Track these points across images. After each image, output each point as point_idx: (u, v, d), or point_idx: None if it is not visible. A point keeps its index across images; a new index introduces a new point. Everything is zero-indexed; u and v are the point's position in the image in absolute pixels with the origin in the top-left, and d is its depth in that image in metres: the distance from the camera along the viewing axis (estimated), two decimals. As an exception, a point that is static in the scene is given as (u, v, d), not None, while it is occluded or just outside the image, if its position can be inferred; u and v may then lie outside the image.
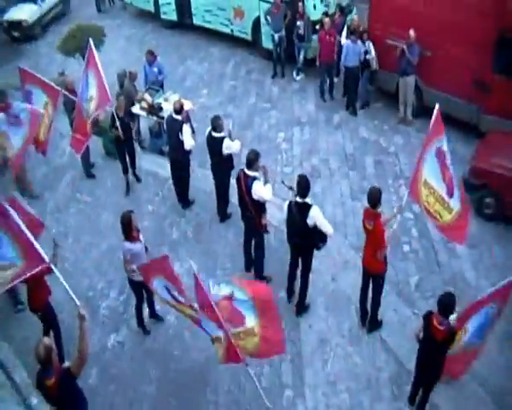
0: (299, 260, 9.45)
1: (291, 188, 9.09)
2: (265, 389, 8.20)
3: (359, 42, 14.08)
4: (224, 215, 11.92)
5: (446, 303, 7.03)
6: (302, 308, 9.78)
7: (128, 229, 8.62)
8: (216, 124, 11.00)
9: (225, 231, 11.69)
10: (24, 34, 21.91)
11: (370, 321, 9.40)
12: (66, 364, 6.71)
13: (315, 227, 8.78)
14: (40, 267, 7.09)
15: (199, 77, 17.79)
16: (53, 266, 7.24)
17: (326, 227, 8.85)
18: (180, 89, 15.68)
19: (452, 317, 7.17)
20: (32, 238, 7.03)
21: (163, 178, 13.18)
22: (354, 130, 14.33)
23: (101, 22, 19.49)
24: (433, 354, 7.35)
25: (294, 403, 8.48)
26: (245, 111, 15.64)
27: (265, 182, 9.48)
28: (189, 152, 11.80)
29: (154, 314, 9.90)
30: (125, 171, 12.92)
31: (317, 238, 8.97)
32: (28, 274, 7.05)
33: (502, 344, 8.82)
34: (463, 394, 8.24)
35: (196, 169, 12.89)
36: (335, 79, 15.64)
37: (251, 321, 7.22)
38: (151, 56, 14.71)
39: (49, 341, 6.62)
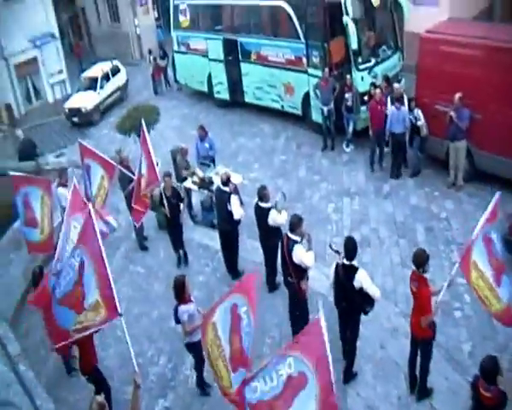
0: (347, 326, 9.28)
1: (337, 252, 8.98)
2: None
3: (403, 108, 14.14)
4: (272, 285, 11.83)
5: (489, 369, 6.73)
6: (350, 375, 9.49)
7: (181, 292, 8.84)
8: (262, 194, 11.12)
9: (273, 300, 11.55)
10: (83, 119, 23.04)
11: (419, 389, 9.02)
12: None
13: (362, 290, 8.63)
14: (114, 319, 7.36)
15: (250, 152, 18.20)
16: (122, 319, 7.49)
17: (373, 290, 8.68)
18: (232, 164, 16.02)
19: (501, 379, 6.83)
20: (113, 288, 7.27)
21: (213, 250, 13.29)
22: (404, 198, 14.15)
23: (158, 103, 20.36)
24: None
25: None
26: (295, 184, 15.76)
27: (309, 249, 9.46)
28: (237, 223, 11.93)
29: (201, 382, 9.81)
30: (176, 248, 13.17)
31: (364, 302, 8.79)
32: (103, 325, 7.41)
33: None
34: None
35: (246, 241, 12.96)
36: (386, 149, 15.64)
37: None
38: (202, 132, 15.14)
39: (101, 399, 6.79)
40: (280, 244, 9.89)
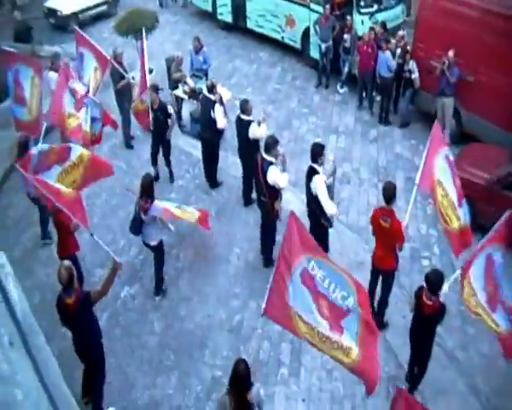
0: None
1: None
2: (261, 362, 8.36)
3: (386, 53, 14.34)
4: (247, 200, 12.12)
5: (434, 280, 7.19)
6: None
7: (151, 190, 9.18)
8: (244, 107, 11.28)
9: (247, 215, 11.96)
10: (59, 22, 22.59)
11: (376, 320, 9.38)
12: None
13: (317, 198, 8.94)
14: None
15: (245, 76, 18.24)
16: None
17: (325, 203, 8.97)
18: (226, 84, 15.91)
19: (443, 291, 7.28)
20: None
21: (196, 159, 13.59)
22: (389, 145, 14.41)
23: (161, 16, 20.07)
24: (423, 329, 7.52)
25: (287, 381, 8.61)
26: (285, 113, 15.92)
27: (283, 170, 9.68)
28: (219, 132, 12.16)
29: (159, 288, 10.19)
30: (154, 162, 13.06)
31: (320, 211, 9.11)
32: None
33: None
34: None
35: (229, 156, 13.26)
36: (377, 98, 15.77)
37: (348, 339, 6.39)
38: (197, 44, 15.24)
39: (69, 263, 7.14)
40: (254, 166, 10.00)
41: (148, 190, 9.13)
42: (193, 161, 13.80)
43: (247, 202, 12.14)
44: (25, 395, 2.43)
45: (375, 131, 15.00)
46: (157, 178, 12.83)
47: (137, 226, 9.36)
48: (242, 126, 11.34)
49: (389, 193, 8.48)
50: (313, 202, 9.16)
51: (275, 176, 9.52)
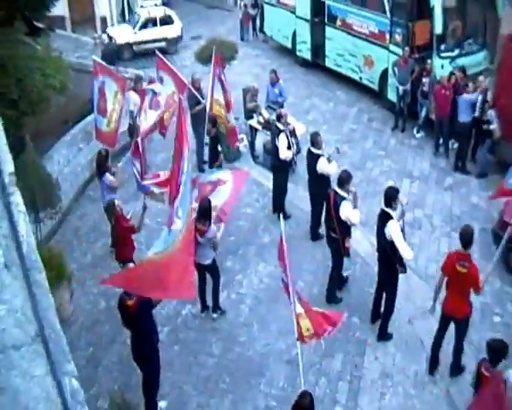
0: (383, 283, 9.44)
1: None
2: (317, 398, 8.12)
3: (471, 95, 14.00)
4: (315, 235, 12.02)
5: (495, 350, 6.78)
6: (384, 335, 9.64)
7: (209, 213, 9.22)
8: (314, 140, 11.26)
9: (313, 249, 11.85)
10: (112, 50, 23.26)
11: (452, 366, 8.97)
12: None
13: (393, 243, 8.69)
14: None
15: (321, 113, 18.32)
16: None
17: (402, 247, 8.70)
18: (302, 120, 16.09)
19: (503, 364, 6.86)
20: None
21: (266, 189, 13.66)
22: (465, 195, 13.99)
23: (242, 49, 20.54)
24: None
25: (343, 421, 8.39)
26: (359, 153, 15.80)
27: (354, 207, 9.55)
28: (285, 162, 12.14)
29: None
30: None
31: (394, 256, 8.84)
32: None
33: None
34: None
35: (299, 189, 13.28)
36: (454, 145, 15.43)
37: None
38: (274, 76, 15.48)
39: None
40: (326, 199, 9.95)
41: (206, 213, 9.17)
42: (263, 191, 13.87)
43: (315, 237, 12.03)
44: (9, 311, 2.37)
45: (450, 179, 14.62)
46: None
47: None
48: (312, 159, 11.31)
49: (467, 238, 8.21)
50: (388, 248, 8.89)
51: (347, 211, 9.41)
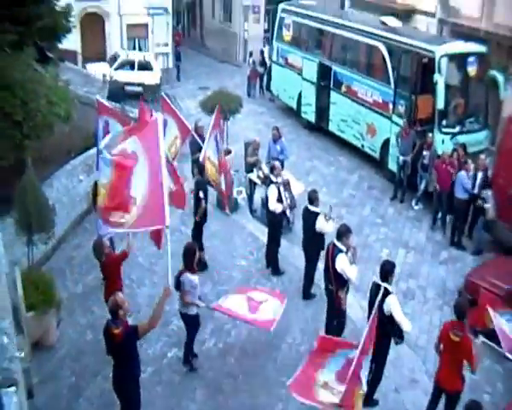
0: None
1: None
2: None
3: (463, 172, 14.12)
4: (307, 294, 11.87)
5: None
6: (371, 402, 9.33)
7: (190, 259, 9.06)
8: (313, 197, 11.27)
9: (304, 307, 11.71)
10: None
11: None
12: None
13: (391, 317, 8.59)
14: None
15: (322, 177, 18.41)
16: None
17: (401, 319, 8.64)
18: (302, 181, 16.05)
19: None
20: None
21: (262, 244, 13.52)
22: (460, 269, 13.78)
23: (248, 105, 20.75)
24: None
25: None
26: (357, 218, 15.75)
27: (352, 262, 9.52)
28: (276, 215, 12.13)
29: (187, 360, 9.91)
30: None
31: (392, 328, 8.75)
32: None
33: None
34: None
35: (295, 247, 13.16)
36: (451, 219, 15.40)
37: None
38: (276, 133, 15.69)
39: (121, 298, 7.23)
40: (325, 251, 10.00)
41: (185, 258, 9.09)
42: (258, 245, 13.77)
43: (306, 295, 11.87)
44: None
45: (446, 253, 14.53)
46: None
47: (177, 284, 9.23)
48: (309, 217, 11.27)
49: (462, 309, 8.18)
50: (386, 321, 8.74)
51: (343, 265, 9.42)
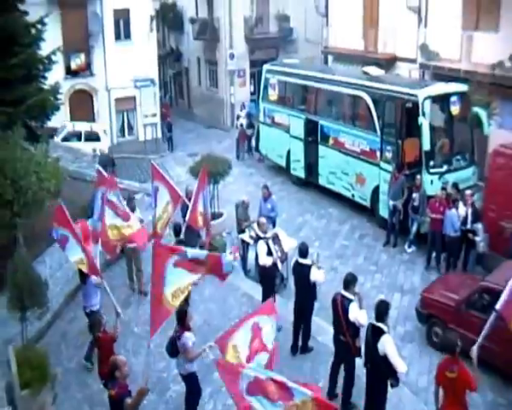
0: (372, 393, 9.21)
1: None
2: None
3: (452, 211, 14.41)
4: (305, 348, 11.81)
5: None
6: None
7: (183, 319, 9.29)
8: (304, 250, 11.39)
9: (302, 361, 11.65)
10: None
11: None
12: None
13: (386, 358, 8.62)
14: None
15: (314, 230, 18.52)
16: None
17: (396, 360, 8.66)
18: (294, 237, 16.13)
19: None
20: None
21: (256, 302, 13.36)
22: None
23: (237, 168, 21.06)
24: None
25: None
26: (350, 268, 15.33)
27: (360, 307, 9.57)
28: (269, 270, 12.20)
29: None
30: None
31: (387, 370, 8.75)
32: None
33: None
34: None
35: (290, 304, 12.98)
36: (445, 258, 15.52)
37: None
38: (266, 192, 15.87)
39: (121, 359, 7.64)
40: (332, 303, 10.01)
41: (179, 320, 9.28)
42: (253, 303, 13.61)
43: (304, 350, 11.83)
44: None
45: (442, 293, 14.57)
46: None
47: (172, 349, 9.47)
48: (301, 270, 11.35)
49: (452, 347, 8.23)
50: (381, 362, 8.83)
51: (356, 313, 9.48)
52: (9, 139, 12.26)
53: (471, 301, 11.44)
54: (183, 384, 10.46)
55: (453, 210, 14.44)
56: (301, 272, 11.34)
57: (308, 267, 11.18)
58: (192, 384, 9.57)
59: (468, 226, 14.34)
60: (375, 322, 8.91)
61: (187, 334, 9.14)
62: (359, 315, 9.46)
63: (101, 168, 13.46)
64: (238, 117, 28.83)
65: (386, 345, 8.66)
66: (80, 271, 11.12)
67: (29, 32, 16.66)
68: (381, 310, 8.93)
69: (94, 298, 11.29)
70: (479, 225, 14.01)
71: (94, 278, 10.83)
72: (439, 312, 11.99)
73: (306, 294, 11.41)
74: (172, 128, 31.10)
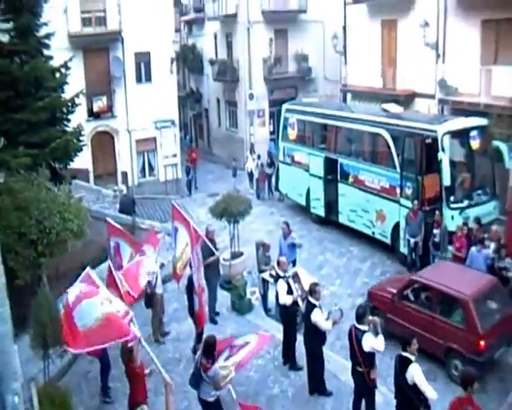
0: None
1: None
2: None
3: (485, 251, 14.06)
4: (323, 389, 11.61)
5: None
6: None
7: (213, 350, 9.39)
8: (313, 289, 11.29)
9: (324, 400, 11.51)
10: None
11: None
12: None
13: (415, 387, 8.59)
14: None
15: (335, 269, 18.48)
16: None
17: (426, 389, 8.66)
18: (315, 275, 16.18)
19: None
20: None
21: (278, 341, 13.32)
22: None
23: (257, 208, 21.16)
24: None
25: None
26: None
27: (377, 333, 9.71)
28: (290, 309, 12.19)
29: None
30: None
31: (417, 399, 8.72)
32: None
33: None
34: None
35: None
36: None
37: None
38: (286, 229, 15.84)
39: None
40: (348, 335, 10.14)
41: (209, 351, 9.32)
42: (275, 343, 13.43)
43: (323, 391, 11.61)
44: None
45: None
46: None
47: (196, 381, 9.50)
48: (308, 309, 11.31)
49: (466, 380, 8.22)
50: (410, 392, 8.83)
51: (371, 343, 9.64)
52: (34, 181, 12.48)
53: (403, 294, 13.29)
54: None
55: (484, 250, 14.09)
56: (307, 310, 11.21)
57: (312, 307, 11.09)
58: (217, 408, 9.69)
59: (495, 263, 14.07)
60: (402, 352, 8.98)
61: (216, 366, 9.25)
62: (375, 343, 9.63)
63: (111, 221, 13.47)
64: (259, 157, 28.85)
65: (415, 373, 8.72)
66: None
67: (54, 77, 17.15)
68: (405, 339, 9.06)
69: None
70: (509, 260, 13.82)
71: None
72: (380, 304, 13.79)
73: (310, 334, 11.31)
74: (191, 171, 31.07)
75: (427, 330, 12.24)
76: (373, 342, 9.64)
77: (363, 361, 9.78)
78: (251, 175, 28.34)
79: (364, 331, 9.77)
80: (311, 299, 11.25)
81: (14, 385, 2.04)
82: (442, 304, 12.47)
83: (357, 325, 9.89)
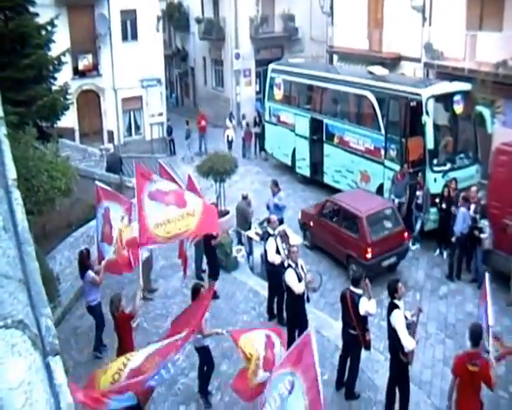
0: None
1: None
2: None
3: (460, 209, 14.48)
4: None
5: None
6: None
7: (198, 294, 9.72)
8: (291, 250, 11.64)
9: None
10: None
11: None
12: None
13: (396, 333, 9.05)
14: None
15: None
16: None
17: (403, 337, 9.03)
18: (299, 233, 16.55)
19: None
20: None
21: (263, 298, 13.71)
22: (460, 303, 14.08)
23: (242, 166, 21.23)
24: None
25: None
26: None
27: (369, 297, 9.94)
28: (276, 267, 12.36)
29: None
30: None
31: (398, 345, 9.16)
32: None
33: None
34: None
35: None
36: (448, 255, 15.76)
37: None
38: (275, 187, 16.10)
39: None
40: (340, 298, 10.38)
41: (194, 295, 9.80)
42: (260, 299, 14.00)
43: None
44: (3, 254, 2.60)
45: (445, 288, 14.78)
46: None
47: None
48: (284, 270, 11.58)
49: (476, 335, 8.45)
50: (392, 336, 9.34)
51: (366, 306, 9.87)
52: (21, 139, 12.48)
53: (322, 212, 16.26)
54: (191, 377, 10.91)
55: (463, 209, 14.49)
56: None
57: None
58: (205, 356, 10.11)
59: (472, 223, 14.48)
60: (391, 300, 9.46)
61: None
62: (369, 306, 9.88)
63: (101, 184, 12.82)
64: (244, 116, 28.98)
65: (396, 320, 9.13)
66: (80, 266, 11.45)
67: (40, 34, 16.99)
68: (390, 287, 9.57)
69: (90, 294, 11.54)
70: (485, 222, 14.13)
71: (89, 274, 11.20)
72: (307, 220, 16.97)
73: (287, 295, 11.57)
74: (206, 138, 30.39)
75: (335, 241, 15.61)
76: (368, 306, 9.85)
77: (357, 324, 9.96)
78: (230, 143, 27.69)
79: (361, 295, 9.93)
80: (352, 289, 11.34)
81: (46, 310, 2.25)
82: (345, 220, 15.40)
83: (353, 289, 10.07)
